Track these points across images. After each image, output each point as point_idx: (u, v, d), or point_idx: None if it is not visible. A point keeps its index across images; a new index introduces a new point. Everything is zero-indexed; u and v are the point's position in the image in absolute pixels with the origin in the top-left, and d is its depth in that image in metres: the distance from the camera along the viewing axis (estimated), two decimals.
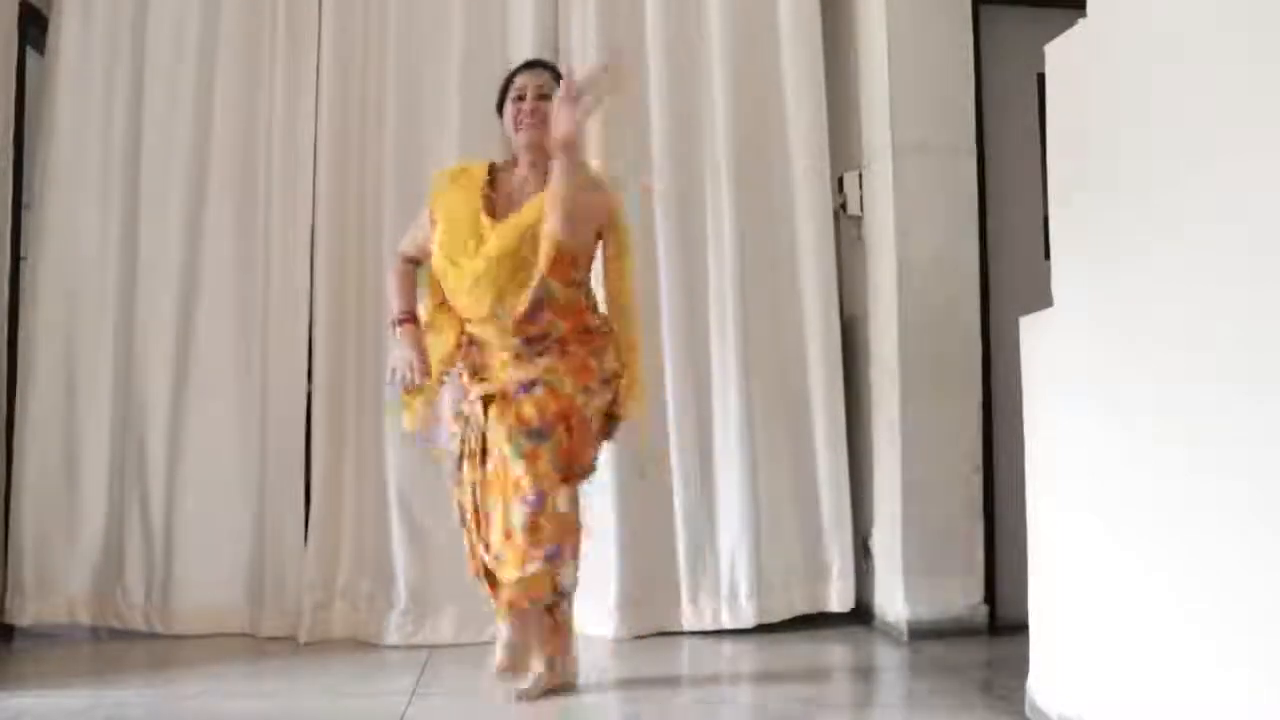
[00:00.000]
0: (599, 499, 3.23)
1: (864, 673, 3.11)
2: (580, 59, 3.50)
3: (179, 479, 3.42)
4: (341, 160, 3.48)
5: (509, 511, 2.54)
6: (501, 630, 2.65)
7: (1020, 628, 2.48)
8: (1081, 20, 2.24)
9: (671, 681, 2.94)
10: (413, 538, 3.34)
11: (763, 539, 3.42)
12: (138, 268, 3.46)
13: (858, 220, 3.58)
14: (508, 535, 2.54)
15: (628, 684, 2.84)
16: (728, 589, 3.40)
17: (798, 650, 3.20)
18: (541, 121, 2.58)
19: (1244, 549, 1.69)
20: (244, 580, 3.39)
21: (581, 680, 2.77)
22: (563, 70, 2.78)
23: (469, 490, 2.67)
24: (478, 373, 2.69)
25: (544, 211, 2.53)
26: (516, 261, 2.55)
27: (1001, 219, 3.44)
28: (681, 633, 3.36)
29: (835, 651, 3.24)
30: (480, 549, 2.64)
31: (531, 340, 2.60)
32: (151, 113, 3.49)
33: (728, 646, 3.26)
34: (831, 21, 3.63)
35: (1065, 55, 2.33)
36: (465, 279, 2.59)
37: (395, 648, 3.23)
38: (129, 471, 3.42)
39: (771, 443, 3.47)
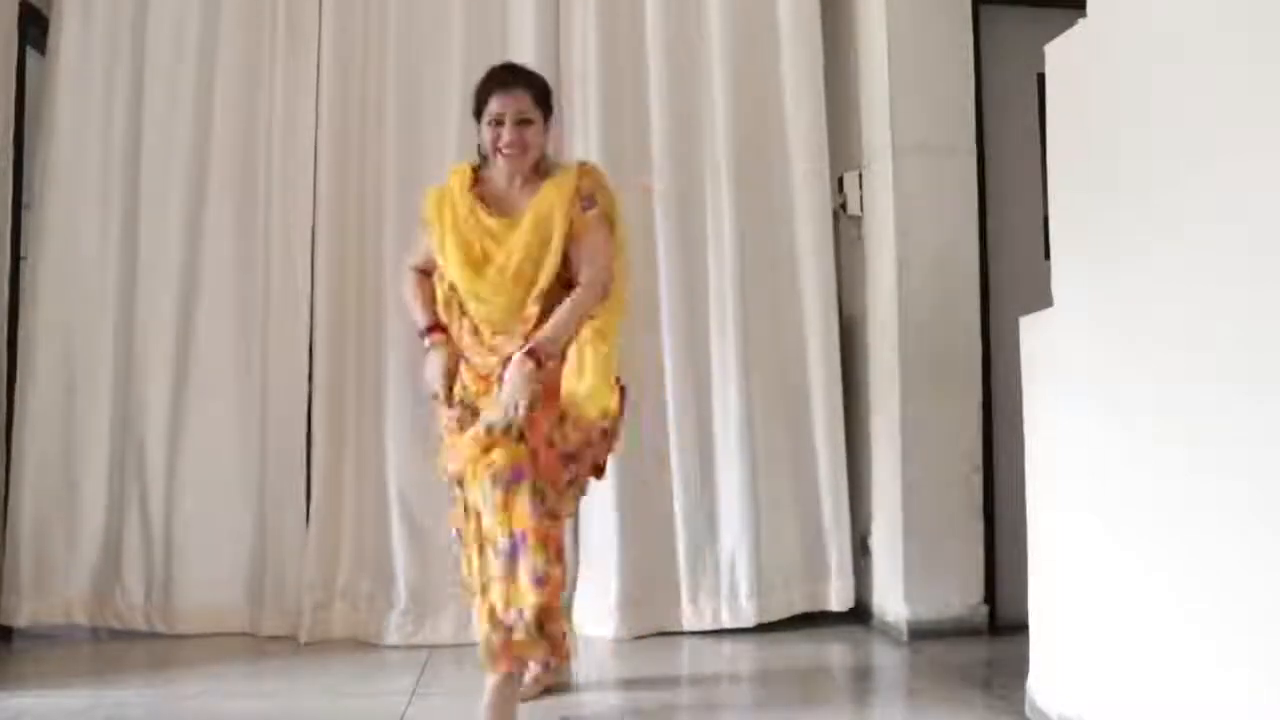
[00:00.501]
0: (599, 499, 3.25)
1: (864, 672, 3.11)
2: (580, 59, 3.51)
3: (179, 479, 3.42)
4: (341, 160, 3.47)
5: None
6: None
7: (1020, 628, 2.47)
8: (1081, 20, 2.24)
9: (671, 681, 2.94)
10: (413, 538, 3.33)
11: (762, 538, 3.42)
12: (138, 268, 3.46)
13: (858, 220, 3.58)
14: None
15: (628, 684, 2.85)
16: (727, 588, 3.40)
17: (798, 650, 3.20)
18: (522, 151, 2.54)
19: (1244, 549, 1.69)
20: (244, 580, 3.39)
21: (581, 680, 2.77)
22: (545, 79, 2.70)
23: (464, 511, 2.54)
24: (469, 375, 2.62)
25: (550, 221, 2.51)
26: (526, 272, 2.53)
27: (1001, 219, 3.43)
28: (681, 632, 3.36)
29: (835, 651, 3.24)
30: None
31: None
32: (151, 113, 3.49)
33: (727, 646, 3.26)
34: (831, 21, 3.63)
35: (1065, 55, 2.33)
36: (484, 286, 2.54)
37: (395, 648, 3.23)
38: (129, 471, 3.42)
39: (771, 442, 3.47)
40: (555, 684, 2.69)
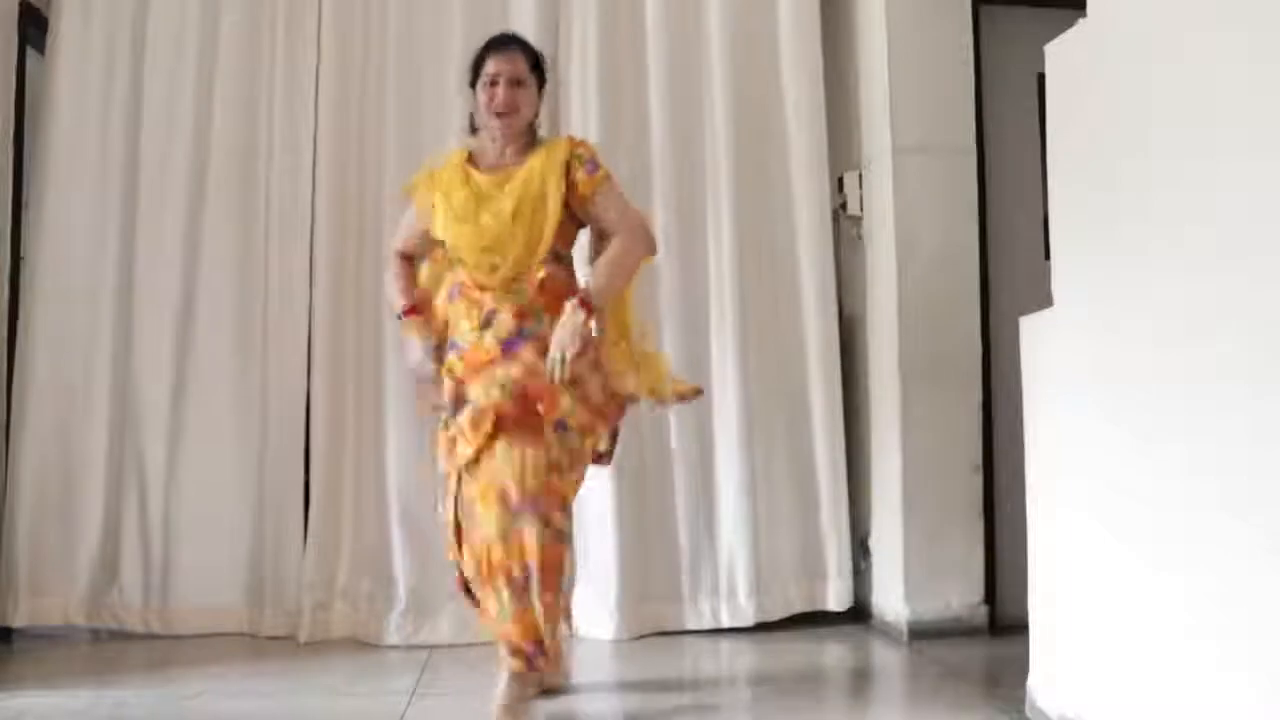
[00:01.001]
0: (599, 499, 3.25)
1: (864, 672, 3.11)
2: (580, 59, 3.51)
3: (178, 479, 3.41)
4: (341, 160, 3.47)
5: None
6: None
7: (1020, 628, 2.47)
8: (1081, 20, 2.24)
9: (671, 681, 2.94)
10: (412, 538, 3.33)
11: (761, 538, 3.42)
12: (136, 268, 3.46)
13: (857, 220, 3.58)
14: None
15: (627, 684, 2.84)
16: (727, 588, 3.40)
17: (798, 650, 3.20)
18: (514, 110, 2.54)
19: (1244, 548, 1.69)
20: (243, 580, 3.39)
21: (581, 680, 2.77)
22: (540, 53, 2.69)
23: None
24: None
25: (543, 180, 2.50)
26: (525, 214, 2.49)
27: (1001, 219, 3.43)
28: (681, 632, 3.36)
29: (835, 651, 3.24)
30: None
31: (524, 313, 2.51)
32: (151, 113, 3.48)
33: (727, 646, 3.26)
34: (831, 21, 3.63)
35: (1065, 55, 2.33)
36: (484, 236, 2.48)
37: (395, 648, 3.23)
38: (128, 471, 3.42)
39: (771, 442, 3.47)
40: (551, 684, 2.68)
